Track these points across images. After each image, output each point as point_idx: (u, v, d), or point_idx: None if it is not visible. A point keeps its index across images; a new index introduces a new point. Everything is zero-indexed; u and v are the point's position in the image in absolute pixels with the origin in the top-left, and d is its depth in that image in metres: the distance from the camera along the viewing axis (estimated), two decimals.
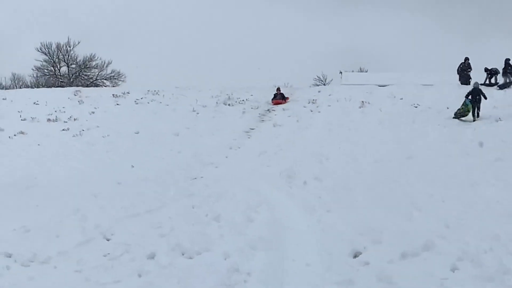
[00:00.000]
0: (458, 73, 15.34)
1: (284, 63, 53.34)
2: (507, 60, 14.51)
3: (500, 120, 10.21)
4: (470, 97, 10.84)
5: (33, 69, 28.30)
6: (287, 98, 14.69)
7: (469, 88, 11.91)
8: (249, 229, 4.78)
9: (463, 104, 10.82)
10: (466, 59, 15.52)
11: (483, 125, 10.22)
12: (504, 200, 5.17)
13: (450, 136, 9.64)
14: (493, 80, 14.60)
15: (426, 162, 7.80)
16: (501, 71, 14.43)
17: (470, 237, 4.00)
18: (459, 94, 11.90)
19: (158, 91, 15.71)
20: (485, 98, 10.93)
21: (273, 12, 64.06)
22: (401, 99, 13.52)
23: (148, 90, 15.76)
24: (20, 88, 25.04)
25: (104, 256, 4.12)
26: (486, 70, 14.68)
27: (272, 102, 14.38)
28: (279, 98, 14.49)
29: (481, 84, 12.65)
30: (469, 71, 15.17)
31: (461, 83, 14.68)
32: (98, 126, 12.01)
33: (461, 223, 4.48)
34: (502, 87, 13.70)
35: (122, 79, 28.75)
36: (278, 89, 14.95)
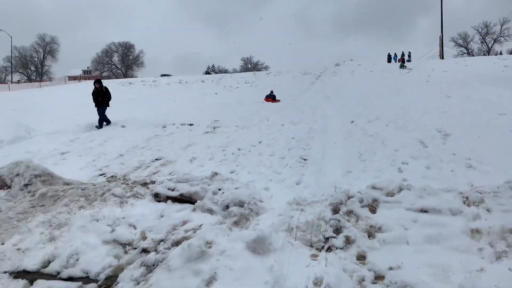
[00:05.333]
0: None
1: None
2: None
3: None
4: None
5: None
6: (278, 100, 18.22)
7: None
8: (315, 115, 11.55)
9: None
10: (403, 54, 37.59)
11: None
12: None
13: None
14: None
15: (386, 84, 19.14)
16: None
17: (394, 114, 10.03)
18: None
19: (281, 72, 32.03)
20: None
21: None
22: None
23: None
24: None
25: (268, 125, 11.17)
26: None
27: (265, 99, 18.30)
28: (270, 97, 18.54)
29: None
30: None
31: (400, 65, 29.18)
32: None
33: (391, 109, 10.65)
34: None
35: None
36: (272, 91, 19.15)
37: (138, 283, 3.32)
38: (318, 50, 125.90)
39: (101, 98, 11.88)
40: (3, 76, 70.19)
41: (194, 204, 4.87)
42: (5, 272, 3.66)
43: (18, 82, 57.34)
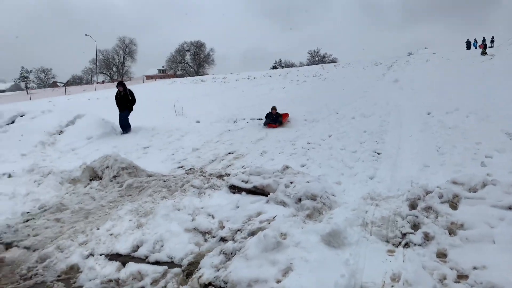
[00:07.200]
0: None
1: None
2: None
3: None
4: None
5: None
6: (285, 116, 11.54)
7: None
8: (388, 107, 11.15)
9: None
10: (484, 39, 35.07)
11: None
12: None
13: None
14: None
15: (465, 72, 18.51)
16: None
17: (475, 104, 9.59)
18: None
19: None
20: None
21: None
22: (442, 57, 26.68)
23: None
24: None
25: (337, 118, 10.98)
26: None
27: (267, 125, 10.95)
28: (273, 121, 11.01)
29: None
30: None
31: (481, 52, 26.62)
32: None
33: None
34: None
35: None
36: (274, 108, 11.37)
37: (218, 270, 3.52)
38: (389, 39, 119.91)
39: (125, 102, 10.88)
40: (90, 77, 76.92)
41: (267, 196, 5.01)
42: (101, 254, 4.09)
43: (103, 82, 62.38)
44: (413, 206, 4.21)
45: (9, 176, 6.81)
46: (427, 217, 3.93)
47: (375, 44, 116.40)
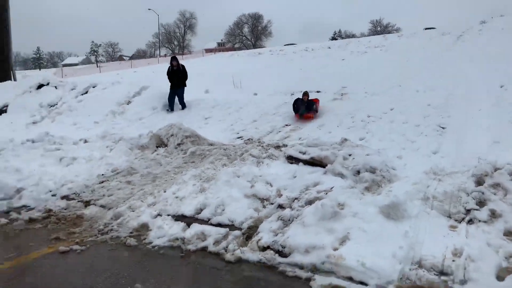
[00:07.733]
0: None
1: None
2: None
3: None
4: None
5: None
6: (316, 101, 9.07)
7: None
8: (456, 79, 10.50)
9: None
10: None
11: None
12: None
13: None
14: None
15: None
16: None
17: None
18: None
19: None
20: None
21: None
22: None
23: None
24: None
25: (400, 91, 10.55)
26: None
27: (296, 116, 8.64)
28: (308, 109, 8.66)
29: None
30: None
31: None
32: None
33: None
34: None
35: None
36: (306, 94, 9.06)
37: (276, 235, 3.68)
38: (460, 7, 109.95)
39: (178, 77, 10.64)
40: (153, 51, 79.86)
41: (324, 167, 5.05)
42: (168, 215, 4.42)
43: (165, 55, 64.51)
44: (479, 182, 4.05)
45: (85, 141, 7.45)
46: (494, 194, 3.77)
47: (443, 13, 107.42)
